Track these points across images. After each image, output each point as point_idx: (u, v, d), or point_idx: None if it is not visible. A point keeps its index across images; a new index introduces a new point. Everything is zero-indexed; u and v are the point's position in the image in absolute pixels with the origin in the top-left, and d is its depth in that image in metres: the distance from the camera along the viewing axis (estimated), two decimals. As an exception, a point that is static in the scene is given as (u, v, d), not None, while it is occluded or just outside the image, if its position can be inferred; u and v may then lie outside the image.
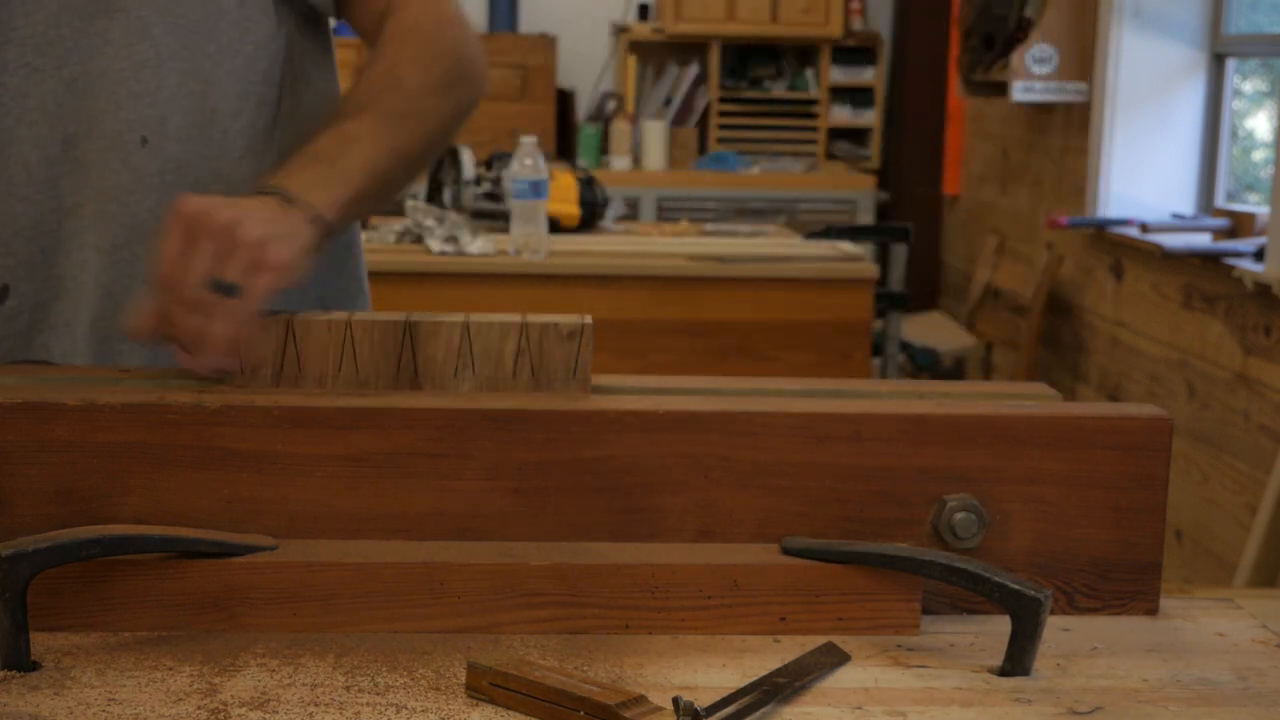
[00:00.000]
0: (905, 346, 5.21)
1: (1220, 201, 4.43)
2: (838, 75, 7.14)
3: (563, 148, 6.84)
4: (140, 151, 1.35)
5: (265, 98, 1.41)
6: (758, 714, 0.92)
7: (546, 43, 6.75)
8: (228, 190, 1.36)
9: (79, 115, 1.33)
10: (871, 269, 3.93)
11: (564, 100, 6.97)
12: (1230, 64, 4.45)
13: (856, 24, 7.14)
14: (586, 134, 6.61)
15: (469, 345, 1.16)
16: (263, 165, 1.40)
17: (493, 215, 4.23)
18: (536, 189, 3.75)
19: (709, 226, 4.61)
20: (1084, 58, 4.74)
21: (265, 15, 1.39)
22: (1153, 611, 1.14)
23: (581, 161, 6.36)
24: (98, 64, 1.33)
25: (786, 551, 1.08)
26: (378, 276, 1.69)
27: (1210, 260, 3.86)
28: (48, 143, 1.34)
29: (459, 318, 1.17)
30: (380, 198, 1.34)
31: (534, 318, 1.17)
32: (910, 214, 6.67)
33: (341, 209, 1.25)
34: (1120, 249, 4.52)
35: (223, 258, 1.14)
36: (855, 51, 7.15)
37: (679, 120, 6.85)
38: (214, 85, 1.37)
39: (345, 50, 1.56)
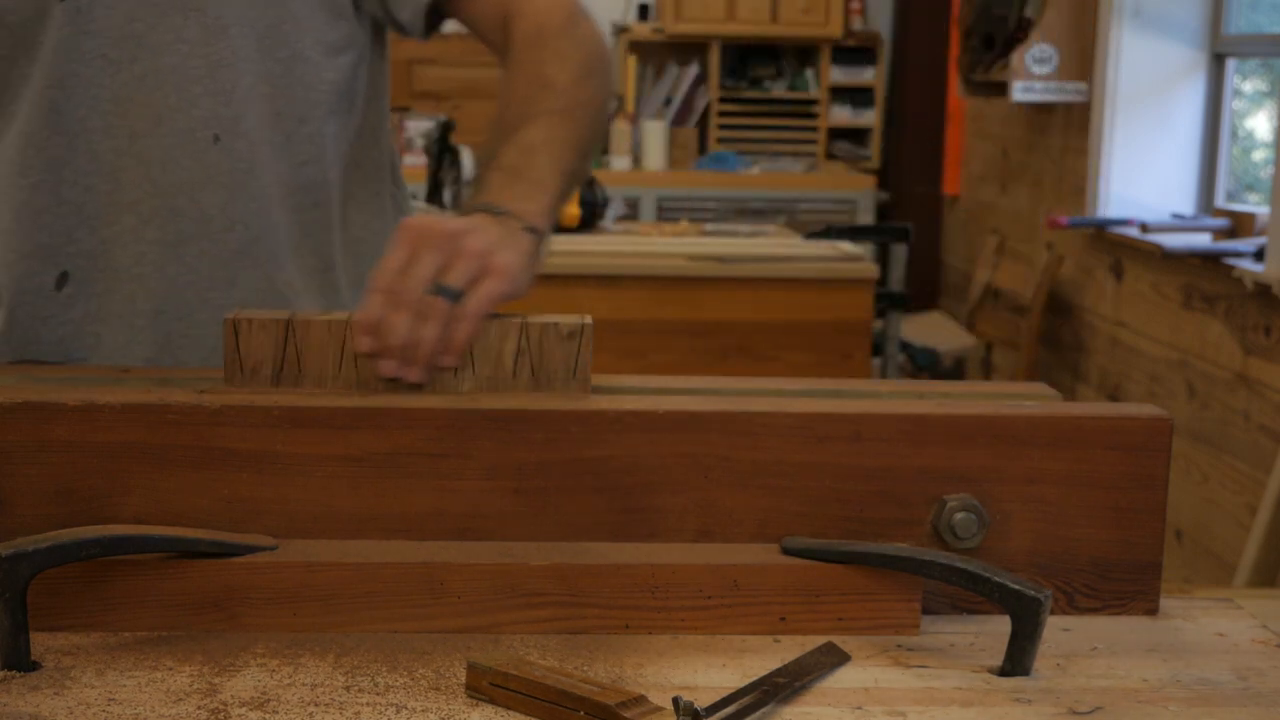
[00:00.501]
0: (905, 346, 5.21)
1: (1220, 201, 4.43)
2: (838, 75, 7.14)
3: (563, 147, 6.82)
4: (212, 149, 1.37)
5: (337, 107, 1.43)
6: (758, 714, 0.92)
7: (547, 43, 6.74)
8: (294, 193, 1.40)
9: (148, 110, 1.35)
10: (871, 269, 3.93)
11: (564, 100, 6.96)
12: (1230, 64, 4.45)
13: (856, 24, 7.14)
14: (586, 134, 6.60)
15: (469, 345, 1.16)
16: (333, 173, 1.42)
17: (493, 215, 4.22)
18: (537, 189, 3.74)
19: (709, 226, 4.61)
20: (1084, 58, 4.74)
21: (341, 26, 1.41)
22: (1153, 611, 1.14)
23: (581, 161, 6.34)
24: (170, 60, 1.35)
25: (786, 551, 1.08)
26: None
27: (1210, 260, 3.86)
28: (117, 134, 1.36)
29: None
30: (569, 192, 1.34)
31: (534, 318, 1.17)
32: (910, 214, 6.67)
33: (548, 216, 1.26)
34: (1120, 249, 4.52)
35: (447, 266, 1.14)
36: (855, 51, 7.15)
37: (679, 120, 6.85)
38: (288, 90, 1.39)
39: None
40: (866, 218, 6.64)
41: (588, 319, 1.18)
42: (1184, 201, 4.55)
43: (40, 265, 1.39)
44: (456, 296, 1.13)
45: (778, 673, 0.97)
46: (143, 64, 1.35)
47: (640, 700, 0.89)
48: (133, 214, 1.38)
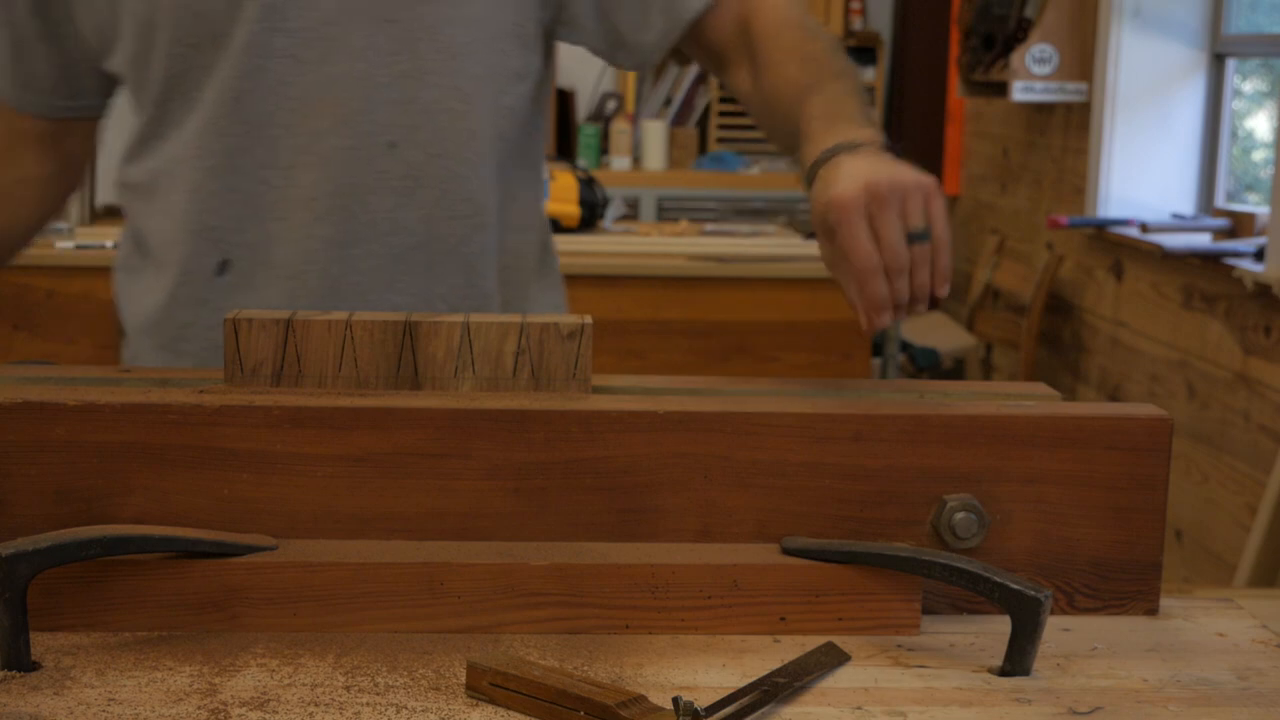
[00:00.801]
0: (905, 346, 5.21)
1: (1220, 201, 4.43)
2: (838, 75, 7.12)
3: (562, 148, 6.84)
4: (386, 155, 1.40)
5: (508, 129, 1.46)
6: (758, 714, 0.92)
7: (547, 43, 6.74)
8: (459, 204, 1.43)
9: (332, 112, 1.39)
10: (872, 269, 3.92)
11: (564, 100, 6.97)
12: (1230, 64, 4.45)
13: (856, 24, 7.14)
14: (586, 134, 6.61)
15: (469, 345, 1.16)
16: (495, 190, 1.45)
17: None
18: (537, 189, 3.74)
19: (709, 226, 4.61)
20: (1084, 58, 4.74)
21: (523, 50, 1.44)
22: (1153, 611, 1.14)
23: (581, 161, 6.36)
24: (359, 66, 1.39)
25: (786, 551, 1.08)
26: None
27: (1210, 260, 3.86)
28: (298, 132, 1.39)
29: (459, 317, 1.17)
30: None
31: (534, 317, 1.17)
32: (910, 214, 6.66)
33: (880, 140, 1.26)
34: (1120, 249, 4.52)
35: (904, 212, 1.15)
36: (855, 51, 7.14)
37: (679, 120, 6.85)
38: (471, 105, 1.42)
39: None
40: (867, 218, 6.63)
41: (588, 319, 1.18)
42: (1184, 201, 4.55)
43: (205, 248, 1.43)
44: (925, 235, 1.15)
45: (778, 673, 0.97)
46: (331, 67, 1.38)
47: (640, 700, 0.89)
48: (304, 210, 1.41)
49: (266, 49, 1.37)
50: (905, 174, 1.17)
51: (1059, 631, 1.09)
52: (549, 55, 1.51)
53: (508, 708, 0.92)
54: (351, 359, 1.16)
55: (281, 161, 1.40)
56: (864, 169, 1.17)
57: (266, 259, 1.42)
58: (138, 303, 1.51)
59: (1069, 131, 4.99)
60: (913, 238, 1.15)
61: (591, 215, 4.30)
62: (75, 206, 4.11)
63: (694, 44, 1.48)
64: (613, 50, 1.49)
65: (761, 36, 1.42)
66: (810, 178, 1.23)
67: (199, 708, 0.91)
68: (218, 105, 1.39)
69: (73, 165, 1.56)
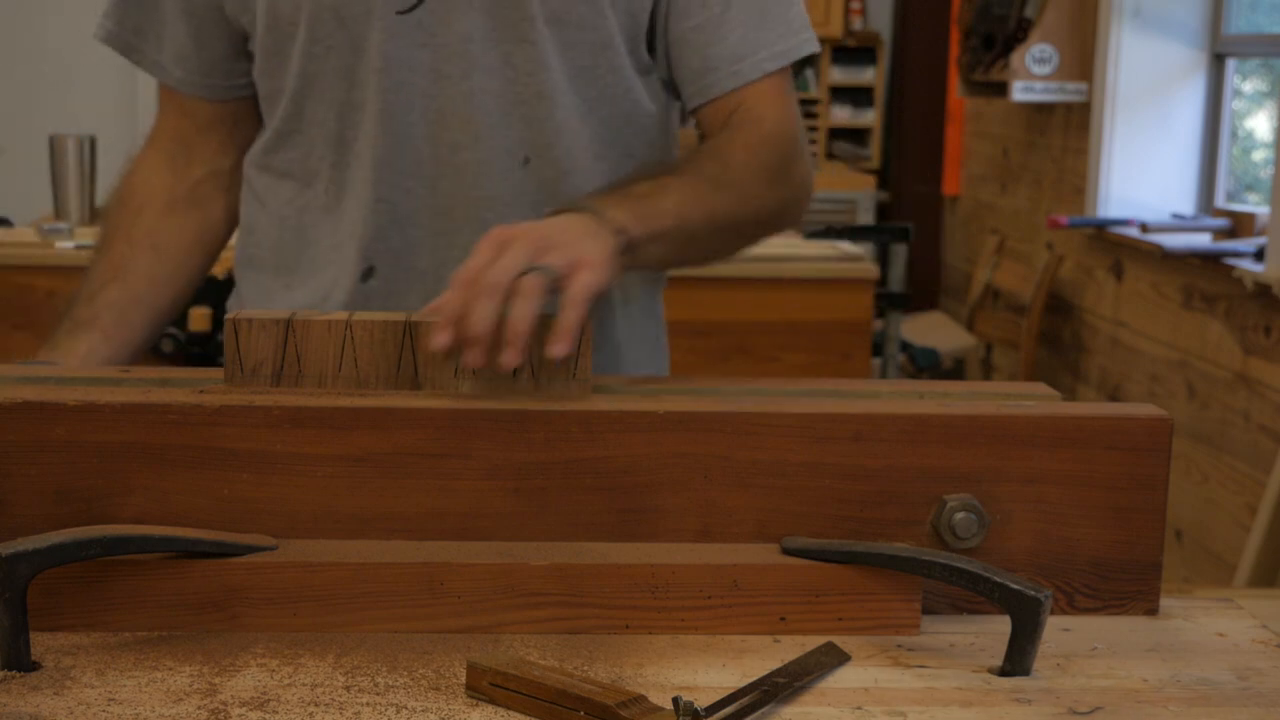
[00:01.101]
0: (905, 346, 5.21)
1: (1220, 201, 4.43)
2: (838, 75, 7.14)
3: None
4: (521, 169, 1.44)
5: (630, 149, 1.48)
6: (758, 714, 0.92)
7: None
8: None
9: (470, 126, 1.42)
10: (871, 269, 3.93)
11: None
12: (1230, 64, 4.45)
13: (856, 24, 7.14)
14: (586, 134, 6.60)
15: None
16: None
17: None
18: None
19: (709, 226, 4.59)
20: (1084, 58, 4.74)
21: (641, 76, 1.47)
22: (1153, 611, 1.14)
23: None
24: (497, 84, 1.42)
25: (786, 551, 1.08)
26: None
27: (1210, 260, 3.86)
28: (439, 144, 1.43)
29: None
30: (685, 250, 1.38)
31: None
32: (910, 214, 6.67)
33: (646, 235, 1.26)
34: (1120, 249, 4.52)
35: (535, 256, 1.14)
36: (855, 51, 7.16)
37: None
38: (595, 126, 1.46)
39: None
40: (866, 218, 6.64)
41: (587, 324, 1.17)
42: (1184, 201, 4.55)
43: (355, 258, 1.45)
44: (553, 276, 1.13)
45: (778, 673, 0.97)
46: (472, 83, 1.41)
47: (640, 700, 0.89)
48: (445, 220, 1.44)
49: (412, 63, 1.41)
50: (575, 238, 1.17)
51: (1059, 631, 1.09)
52: (670, 91, 1.53)
53: (508, 708, 0.92)
54: (352, 359, 1.16)
55: (425, 172, 1.43)
56: (542, 222, 1.20)
57: (409, 266, 1.45)
58: (276, 303, 1.52)
59: (1069, 131, 4.99)
60: (535, 268, 1.12)
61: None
62: (75, 207, 4.12)
63: (696, 119, 1.53)
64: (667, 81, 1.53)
65: (728, 124, 1.45)
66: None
67: (199, 708, 0.91)
68: (372, 116, 1.42)
69: (244, 150, 1.58)
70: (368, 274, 1.45)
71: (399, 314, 1.18)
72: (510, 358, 1.11)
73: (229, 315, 1.16)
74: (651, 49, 1.48)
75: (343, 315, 1.17)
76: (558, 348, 1.12)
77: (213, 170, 1.57)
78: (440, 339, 1.12)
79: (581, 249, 1.17)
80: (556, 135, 1.44)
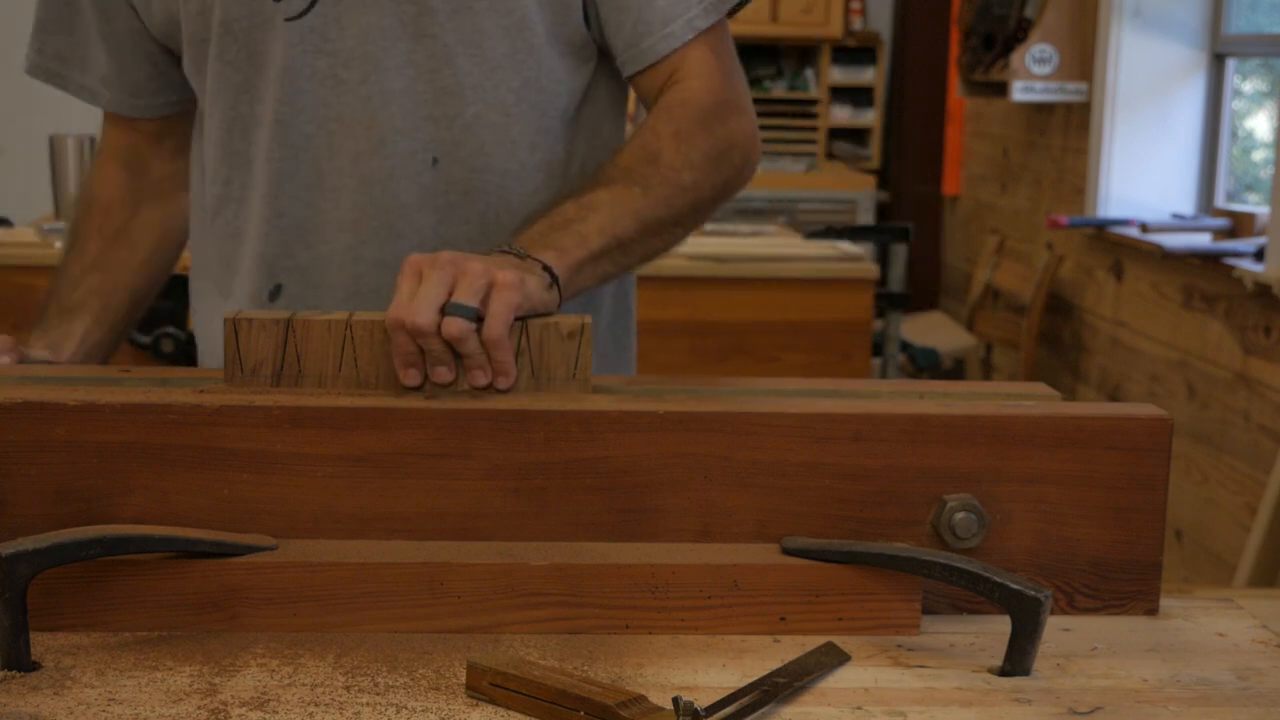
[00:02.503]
0: (905, 346, 5.21)
1: (1220, 201, 4.43)
2: (837, 75, 7.14)
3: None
4: (430, 172, 1.39)
5: (560, 135, 1.44)
6: (757, 714, 0.92)
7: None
8: (508, 216, 1.41)
9: (372, 132, 1.38)
10: (871, 269, 3.93)
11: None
12: (1230, 64, 4.45)
13: (856, 24, 7.14)
14: (586, 134, 6.60)
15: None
16: (545, 201, 1.42)
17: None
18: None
19: (708, 226, 4.60)
20: (1084, 58, 4.74)
21: (568, 57, 1.42)
22: (1153, 611, 1.14)
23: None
24: (398, 84, 1.37)
25: (786, 551, 1.08)
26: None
27: (1210, 260, 3.86)
28: (339, 154, 1.39)
29: None
30: (621, 261, 1.35)
31: (534, 318, 1.17)
32: (910, 214, 6.67)
33: (571, 268, 1.25)
34: (1120, 249, 4.52)
35: (454, 288, 1.14)
36: (855, 51, 7.15)
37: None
38: (514, 118, 1.41)
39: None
40: (866, 218, 6.64)
41: (587, 319, 1.18)
42: (1184, 201, 4.55)
43: (259, 276, 1.43)
44: (473, 314, 1.13)
45: (778, 673, 0.97)
46: (371, 85, 1.37)
47: (640, 700, 0.89)
48: (350, 232, 1.41)
49: (307, 70, 1.37)
50: (488, 265, 1.16)
51: (1059, 631, 1.09)
52: (606, 62, 1.47)
53: (508, 708, 0.92)
54: (352, 359, 1.16)
55: (326, 184, 1.40)
56: (463, 254, 1.19)
57: (319, 282, 1.42)
58: (208, 326, 1.53)
59: (1069, 131, 4.99)
60: (455, 307, 1.13)
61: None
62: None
63: (636, 91, 1.48)
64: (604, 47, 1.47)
65: (658, 106, 1.40)
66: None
67: (199, 708, 0.91)
68: (266, 129, 1.40)
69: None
70: (275, 292, 1.43)
71: None
72: (480, 379, 1.15)
73: (228, 315, 1.16)
74: (588, 21, 1.41)
75: (343, 315, 1.17)
76: (501, 381, 1.15)
77: (171, 170, 1.57)
78: (410, 379, 1.15)
79: (497, 274, 1.15)
80: (466, 132, 1.39)
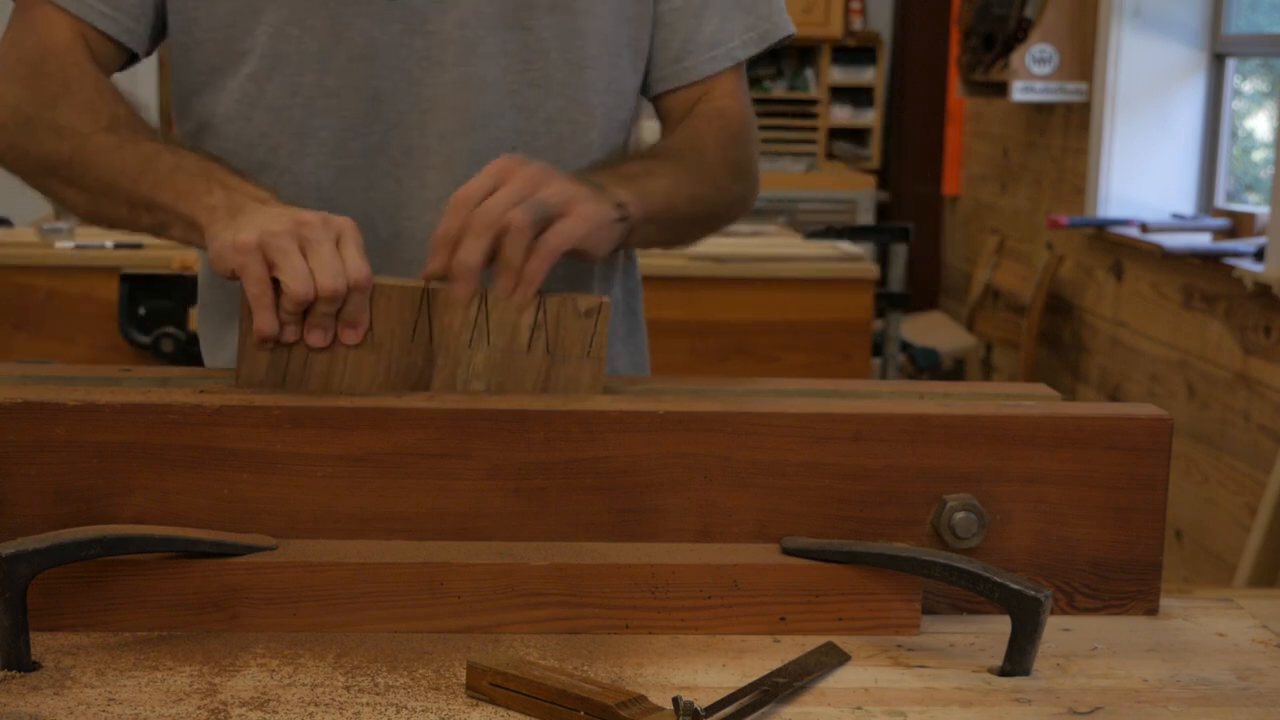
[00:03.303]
0: (905, 347, 5.20)
1: (1220, 202, 4.43)
2: (837, 75, 7.14)
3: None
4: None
5: (619, 143, 1.48)
6: (757, 714, 0.92)
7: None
8: None
9: (462, 115, 1.40)
10: (871, 269, 3.93)
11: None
12: (1230, 64, 4.45)
13: (856, 24, 7.14)
14: (586, 134, 6.60)
15: (485, 316, 1.16)
16: (607, 157, 1.46)
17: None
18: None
19: (709, 227, 4.59)
20: (1084, 58, 4.74)
21: (635, 71, 1.46)
22: (1153, 611, 1.14)
23: (581, 161, 6.34)
24: (491, 72, 1.40)
25: (786, 551, 1.08)
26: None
27: (1210, 260, 3.86)
28: (428, 133, 1.40)
29: (476, 291, 1.17)
30: (668, 234, 1.40)
31: (551, 294, 1.17)
32: (910, 214, 6.67)
33: (643, 215, 1.29)
34: (1120, 249, 4.52)
35: (531, 193, 1.16)
36: (855, 51, 7.15)
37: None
38: (592, 118, 1.44)
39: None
40: (866, 218, 6.64)
41: (605, 298, 1.18)
42: (1184, 201, 4.55)
43: None
44: (544, 214, 1.15)
45: (777, 673, 0.97)
46: (465, 70, 1.39)
47: (640, 700, 0.89)
48: (433, 211, 1.41)
49: (406, 50, 1.39)
50: (572, 192, 1.19)
51: (1059, 631, 1.09)
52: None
53: (508, 708, 0.92)
54: (368, 322, 1.16)
55: (414, 162, 1.41)
56: (550, 167, 1.22)
57: (398, 257, 1.43)
58: (217, 313, 1.50)
59: (1069, 131, 4.99)
60: (519, 201, 1.15)
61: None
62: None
63: (656, 109, 1.54)
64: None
65: (697, 113, 1.46)
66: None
67: (199, 708, 0.91)
68: (356, 105, 1.40)
69: None
70: None
71: (417, 280, 1.18)
72: (503, 289, 1.16)
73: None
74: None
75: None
76: (517, 295, 1.16)
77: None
78: (435, 263, 1.16)
79: (576, 201, 1.18)
80: (547, 125, 1.42)
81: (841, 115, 7.20)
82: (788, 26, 1.49)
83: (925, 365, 5.36)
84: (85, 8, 1.37)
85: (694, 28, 1.45)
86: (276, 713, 0.91)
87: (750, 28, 1.47)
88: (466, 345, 1.17)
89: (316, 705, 0.92)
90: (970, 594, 1.04)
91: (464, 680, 0.95)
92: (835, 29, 6.94)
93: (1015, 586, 1.00)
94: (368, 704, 0.92)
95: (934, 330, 5.80)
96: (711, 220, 1.47)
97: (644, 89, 1.50)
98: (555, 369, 1.17)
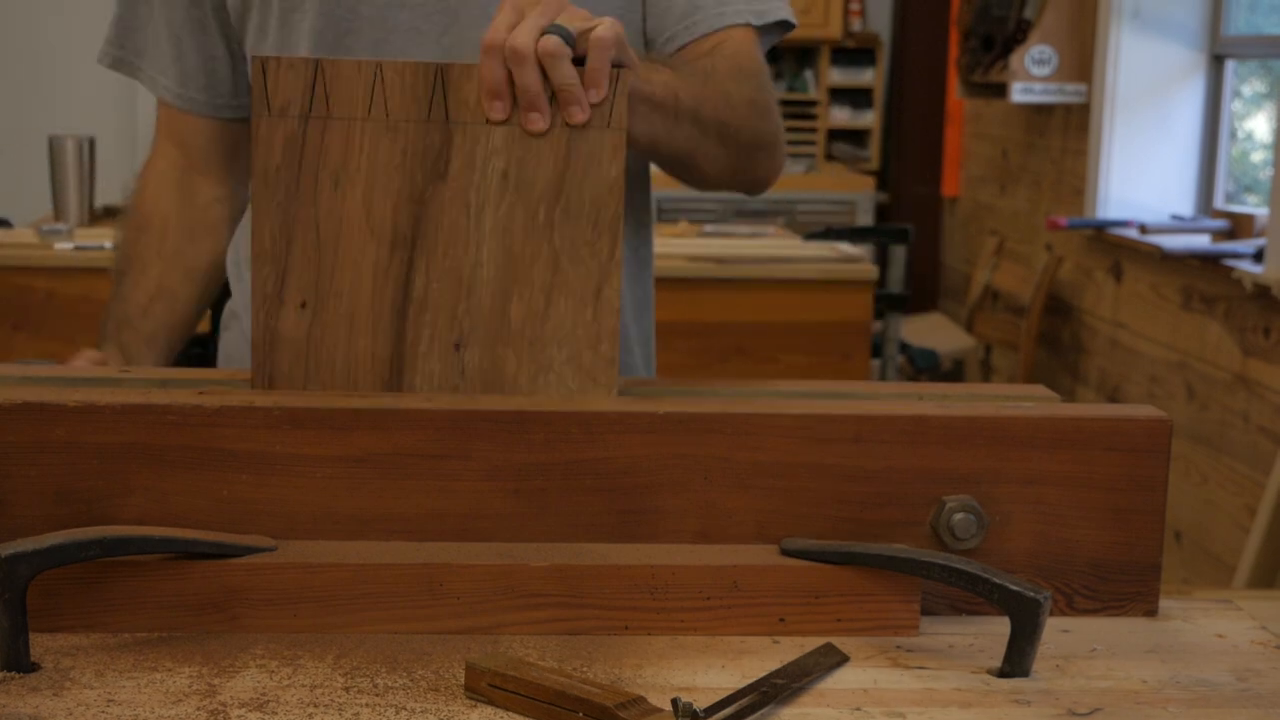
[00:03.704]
0: (905, 348, 5.21)
1: (1219, 203, 4.44)
2: (837, 76, 7.14)
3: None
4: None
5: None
6: (757, 715, 0.92)
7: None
8: None
9: None
10: (871, 270, 3.93)
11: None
12: (1229, 65, 4.45)
13: (856, 25, 7.14)
14: (586, 135, 6.59)
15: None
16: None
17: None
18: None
19: (708, 228, 4.60)
20: (1083, 59, 4.74)
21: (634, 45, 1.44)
22: (1152, 613, 1.14)
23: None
24: (476, 34, 1.36)
25: (786, 552, 1.08)
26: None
27: (1209, 262, 3.86)
28: None
29: None
30: (674, 130, 1.32)
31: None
32: (909, 215, 6.67)
33: (643, 89, 1.24)
34: (1119, 250, 4.52)
35: (553, 17, 1.15)
36: (854, 52, 7.15)
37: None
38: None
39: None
40: (866, 219, 6.64)
41: (623, 70, 1.16)
42: (1183, 203, 4.55)
43: None
44: (569, 36, 1.13)
45: (777, 674, 0.97)
46: (451, 37, 1.40)
47: (639, 701, 0.89)
48: None
49: (390, 24, 1.40)
50: (591, 14, 1.18)
51: (1058, 633, 1.09)
52: None
53: (507, 709, 0.92)
54: (382, 101, 1.15)
55: None
56: None
57: None
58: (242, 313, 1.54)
59: (1068, 133, 4.99)
60: (554, 28, 1.13)
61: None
62: (74, 208, 4.11)
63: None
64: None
65: (708, 53, 1.43)
66: None
67: (198, 709, 0.91)
68: None
69: (242, 183, 1.56)
70: None
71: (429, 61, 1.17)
72: (578, 115, 1.14)
73: (255, 56, 1.16)
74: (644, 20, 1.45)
75: (373, 60, 1.16)
76: (593, 93, 1.14)
77: (217, 195, 1.57)
78: (495, 111, 1.15)
79: (597, 19, 1.16)
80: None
81: (841, 116, 7.20)
82: (788, 11, 1.47)
83: (924, 366, 5.36)
84: (157, 87, 1.53)
85: None
86: (276, 714, 0.91)
87: (752, 1, 1.44)
88: (484, 122, 1.16)
89: (316, 706, 0.92)
90: (969, 595, 1.05)
91: (463, 681, 0.95)
92: (834, 30, 6.94)
93: (1014, 588, 1.00)
94: (367, 705, 0.92)
95: (933, 331, 5.80)
96: (729, 137, 1.39)
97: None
98: (575, 142, 1.15)
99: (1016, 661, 1.00)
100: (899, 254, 4.82)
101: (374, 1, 1.41)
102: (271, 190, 1.15)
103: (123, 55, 1.55)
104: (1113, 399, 4.55)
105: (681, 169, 1.40)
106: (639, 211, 1.53)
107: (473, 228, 1.16)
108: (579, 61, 1.14)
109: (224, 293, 1.62)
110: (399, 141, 1.15)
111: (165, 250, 1.54)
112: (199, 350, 3.19)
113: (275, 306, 1.16)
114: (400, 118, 1.15)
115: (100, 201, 4.24)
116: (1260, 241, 3.77)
